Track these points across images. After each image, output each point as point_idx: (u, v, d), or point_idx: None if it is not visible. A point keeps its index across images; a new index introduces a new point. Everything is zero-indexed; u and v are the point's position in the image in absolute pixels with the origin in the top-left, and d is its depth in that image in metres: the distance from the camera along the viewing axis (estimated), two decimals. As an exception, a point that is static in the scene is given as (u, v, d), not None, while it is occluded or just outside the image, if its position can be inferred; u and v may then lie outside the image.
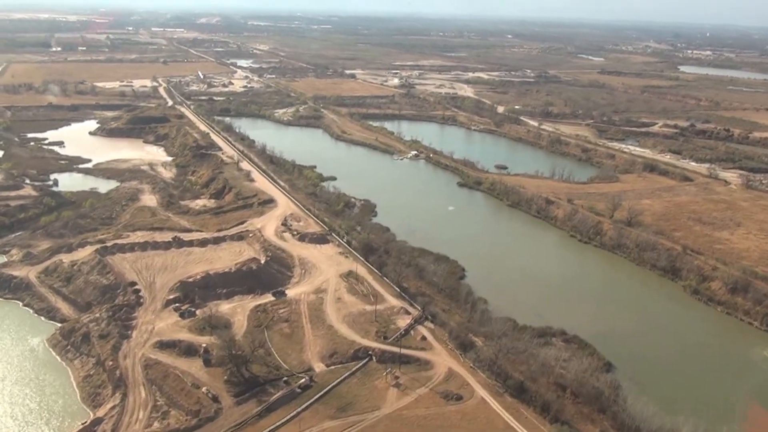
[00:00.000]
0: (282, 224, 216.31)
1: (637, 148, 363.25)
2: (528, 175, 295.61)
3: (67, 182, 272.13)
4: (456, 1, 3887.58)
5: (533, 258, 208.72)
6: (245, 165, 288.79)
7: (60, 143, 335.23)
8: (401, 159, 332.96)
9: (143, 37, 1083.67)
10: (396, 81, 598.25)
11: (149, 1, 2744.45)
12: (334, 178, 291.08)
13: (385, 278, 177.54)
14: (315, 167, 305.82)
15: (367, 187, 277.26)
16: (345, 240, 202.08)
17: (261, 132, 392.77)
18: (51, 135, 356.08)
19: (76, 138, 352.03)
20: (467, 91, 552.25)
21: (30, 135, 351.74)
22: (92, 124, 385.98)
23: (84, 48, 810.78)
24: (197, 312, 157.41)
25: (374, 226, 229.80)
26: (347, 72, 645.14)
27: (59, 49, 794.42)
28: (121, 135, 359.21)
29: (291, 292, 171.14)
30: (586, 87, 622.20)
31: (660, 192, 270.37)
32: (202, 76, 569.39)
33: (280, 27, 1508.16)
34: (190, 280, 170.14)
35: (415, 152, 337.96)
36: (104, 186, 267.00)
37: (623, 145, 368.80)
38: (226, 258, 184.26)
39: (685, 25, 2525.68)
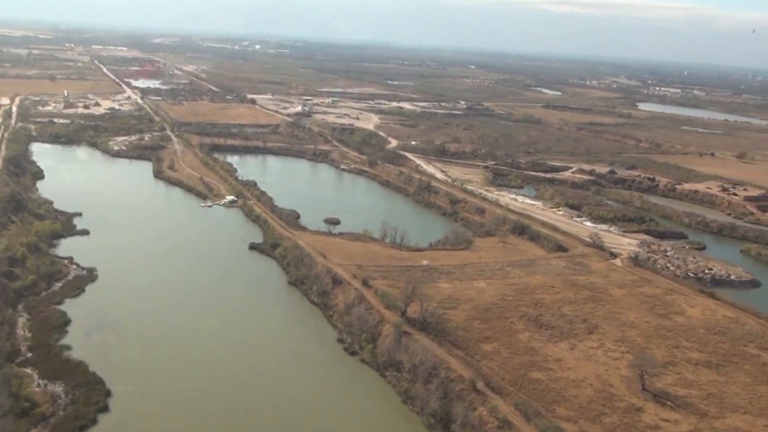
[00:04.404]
0: None
1: (527, 200, 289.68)
2: (352, 236, 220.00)
3: None
4: (442, 33, 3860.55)
5: (245, 386, 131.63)
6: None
7: None
8: (209, 206, 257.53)
9: (72, 54, 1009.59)
10: (299, 109, 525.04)
11: (118, 20, 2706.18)
12: (86, 232, 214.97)
13: None
14: (80, 215, 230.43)
15: (124, 247, 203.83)
16: None
17: (73, 165, 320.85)
18: None
19: None
20: (371, 122, 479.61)
21: None
22: None
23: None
24: None
25: (43, 319, 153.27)
26: (249, 97, 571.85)
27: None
28: None
29: None
30: (518, 122, 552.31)
31: (511, 267, 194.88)
32: (66, 94, 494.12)
33: (234, 50, 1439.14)
34: None
35: (233, 198, 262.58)
36: None
37: (513, 196, 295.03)
38: None
39: (685, 65, 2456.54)
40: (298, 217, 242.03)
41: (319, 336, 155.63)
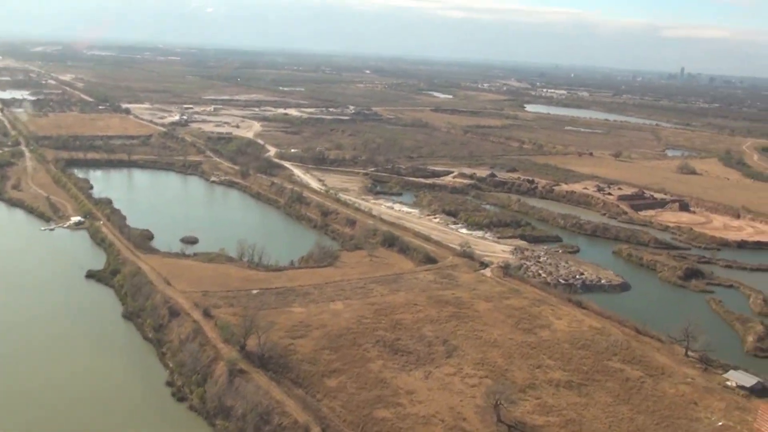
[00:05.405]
0: None
1: (405, 207, 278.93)
2: (206, 257, 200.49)
3: None
4: (338, 39, 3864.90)
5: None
6: None
7: None
8: (52, 229, 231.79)
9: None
10: (177, 117, 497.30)
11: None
12: None
13: None
14: None
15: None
16: None
17: None
18: None
19: None
20: (252, 130, 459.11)
21: None
22: None
23: None
24: None
25: None
26: (124, 106, 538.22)
27: None
28: None
29: None
30: (406, 126, 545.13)
31: (375, 284, 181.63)
32: None
33: (120, 57, 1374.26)
34: None
35: (80, 219, 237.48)
36: None
37: (391, 204, 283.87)
38: None
39: (573, 68, 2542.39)
40: (151, 237, 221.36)
41: (147, 379, 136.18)
